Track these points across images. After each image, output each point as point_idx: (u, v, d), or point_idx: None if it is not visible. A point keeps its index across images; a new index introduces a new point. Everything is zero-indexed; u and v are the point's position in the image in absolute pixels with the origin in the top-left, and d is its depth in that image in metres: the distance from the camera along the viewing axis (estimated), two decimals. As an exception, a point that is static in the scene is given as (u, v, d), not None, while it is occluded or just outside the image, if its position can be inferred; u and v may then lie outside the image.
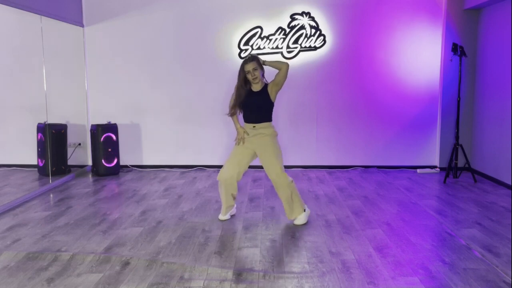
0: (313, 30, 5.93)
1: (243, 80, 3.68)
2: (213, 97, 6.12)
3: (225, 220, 3.95)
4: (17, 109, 6.06)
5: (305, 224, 3.83)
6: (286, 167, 4.12)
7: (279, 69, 3.69)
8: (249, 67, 3.61)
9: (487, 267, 2.95)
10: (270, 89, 3.72)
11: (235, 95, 3.75)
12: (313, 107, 6.10)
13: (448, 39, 5.78)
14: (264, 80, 3.78)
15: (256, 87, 3.73)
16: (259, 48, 5.96)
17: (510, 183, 4.99)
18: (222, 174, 3.79)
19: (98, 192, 5.04)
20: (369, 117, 6.08)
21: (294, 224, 3.83)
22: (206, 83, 6.11)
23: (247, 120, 3.79)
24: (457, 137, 5.43)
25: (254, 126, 3.75)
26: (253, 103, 3.71)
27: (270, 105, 3.77)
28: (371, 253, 3.20)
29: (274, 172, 3.71)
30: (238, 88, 3.70)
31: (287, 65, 3.68)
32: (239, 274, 2.87)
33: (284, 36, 5.95)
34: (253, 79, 3.63)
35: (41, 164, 5.78)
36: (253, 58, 3.65)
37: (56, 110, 5.70)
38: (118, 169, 5.97)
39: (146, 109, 6.20)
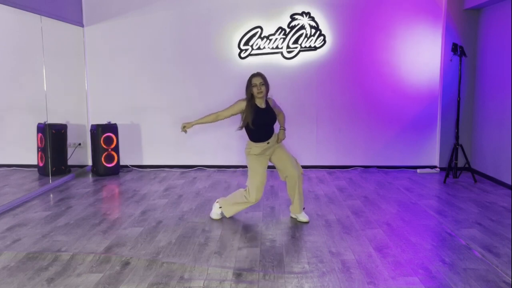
0: (313, 30, 5.93)
1: (251, 94, 3.70)
2: (213, 97, 6.11)
3: (218, 218, 4.00)
4: (17, 109, 6.06)
5: (305, 224, 3.84)
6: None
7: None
8: (257, 80, 3.66)
9: (487, 267, 2.95)
10: (273, 107, 3.83)
11: (246, 113, 3.69)
12: (313, 107, 6.10)
13: (448, 39, 5.78)
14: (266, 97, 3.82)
15: (260, 103, 3.74)
16: (259, 48, 5.96)
17: (510, 183, 4.98)
18: (257, 196, 3.77)
19: (98, 192, 5.04)
20: (369, 117, 6.08)
21: (295, 224, 3.84)
22: (206, 83, 6.11)
23: (260, 139, 3.76)
24: (457, 137, 5.43)
25: (268, 143, 3.79)
26: (265, 121, 3.75)
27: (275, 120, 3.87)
28: (371, 253, 3.20)
29: (293, 165, 3.83)
30: (248, 105, 3.69)
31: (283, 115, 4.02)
32: (239, 274, 2.87)
33: (284, 36, 5.95)
34: (258, 92, 3.65)
35: (41, 164, 5.78)
36: (260, 74, 3.71)
37: (56, 110, 5.71)
38: (118, 169, 5.97)
39: (146, 109, 6.20)
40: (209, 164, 6.26)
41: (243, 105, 3.71)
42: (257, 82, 3.65)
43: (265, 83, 3.69)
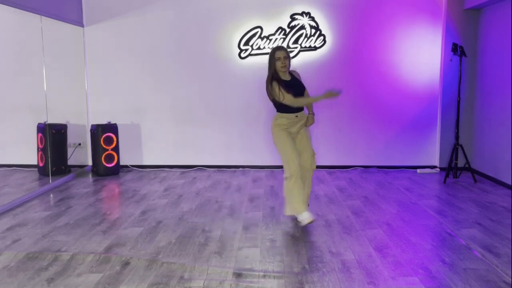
0: (313, 30, 5.93)
1: (274, 69, 3.62)
2: (213, 97, 6.12)
3: (311, 221, 3.64)
4: (17, 109, 6.06)
5: (306, 224, 3.83)
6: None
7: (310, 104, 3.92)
8: (281, 54, 3.60)
9: (487, 267, 2.95)
10: (299, 78, 3.81)
11: (278, 86, 3.58)
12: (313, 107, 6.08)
13: (448, 39, 5.77)
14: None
15: (285, 77, 3.70)
16: (259, 48, 5.96)
17: (510, 183, 4.98)
18: (293, 167, 3.62)
19: (98, 192, 5.04)
20: (369, 117, 6.08)
21: (295, 224, 3.83)
22: (206, 83, 6.11)
23: (289, 110, 3.69)
24: (457, 137, 5.43)
25: (296, 116, 3.74)
26: (294, 92, 3.67)
27: (304, 90, 3.82)
28: (371, 253, 3.20)
29: (309, 156, 3.79)
30: (274, 79, 3.60)
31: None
32: (239, 274, 2.87)
33: (284, 36, 5.95)
34: (282, 66, 3.61)
35: (41, 164, 5.78)
36: (283, 47, 3.67)
37: (56, 110, 5.70)
38: (118, 169, 5.97)
39: (146, 109, 6.20)
40: (209, 164, 6.26)
41: (275, 83, 3.61)
42: (281, 56, 3.60)
43: (288, 56, 3.65)
